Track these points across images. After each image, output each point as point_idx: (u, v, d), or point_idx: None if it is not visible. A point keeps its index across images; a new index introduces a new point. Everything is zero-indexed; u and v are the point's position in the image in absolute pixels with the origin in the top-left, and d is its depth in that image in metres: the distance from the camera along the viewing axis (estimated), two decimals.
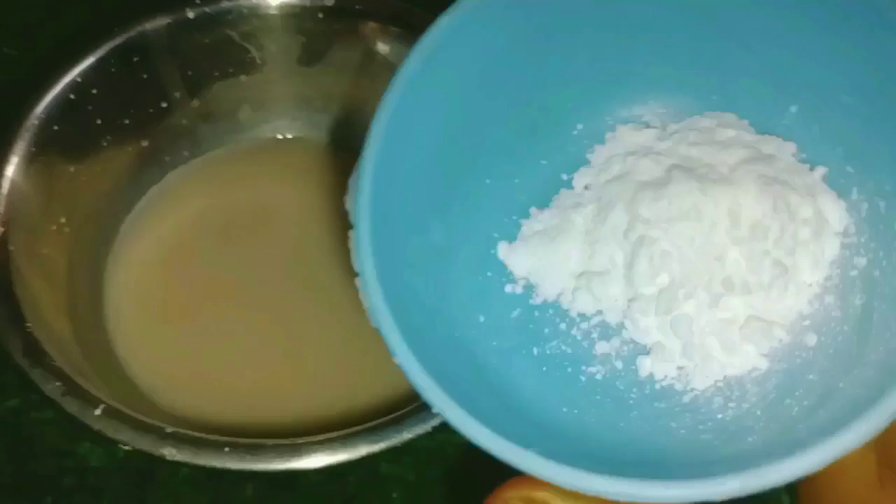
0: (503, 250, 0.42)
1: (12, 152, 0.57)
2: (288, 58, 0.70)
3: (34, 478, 0.62)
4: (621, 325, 0.38)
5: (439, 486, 0.60)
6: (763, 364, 0.35)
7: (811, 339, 0.35)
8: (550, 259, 0.40)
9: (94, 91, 0.62)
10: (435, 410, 0.32)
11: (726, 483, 0.27)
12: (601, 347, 0.39)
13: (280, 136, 0.74)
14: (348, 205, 0.37)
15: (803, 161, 0.38)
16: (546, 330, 0.40)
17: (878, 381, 0.28)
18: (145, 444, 0.47)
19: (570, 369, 0.39)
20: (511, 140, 0.42)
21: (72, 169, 0.62)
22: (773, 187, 0.35)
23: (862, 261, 0.35)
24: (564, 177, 0.43)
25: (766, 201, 0.35)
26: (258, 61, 0.69)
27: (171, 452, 0.47)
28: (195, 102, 0.69)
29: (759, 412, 0.34)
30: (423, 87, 0.38)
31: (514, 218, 0.42)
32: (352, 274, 0.36)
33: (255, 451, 0.47)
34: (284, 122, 0.74)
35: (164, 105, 0.68)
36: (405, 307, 0.35)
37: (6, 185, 0.56)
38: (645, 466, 0.31)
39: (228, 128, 0.72)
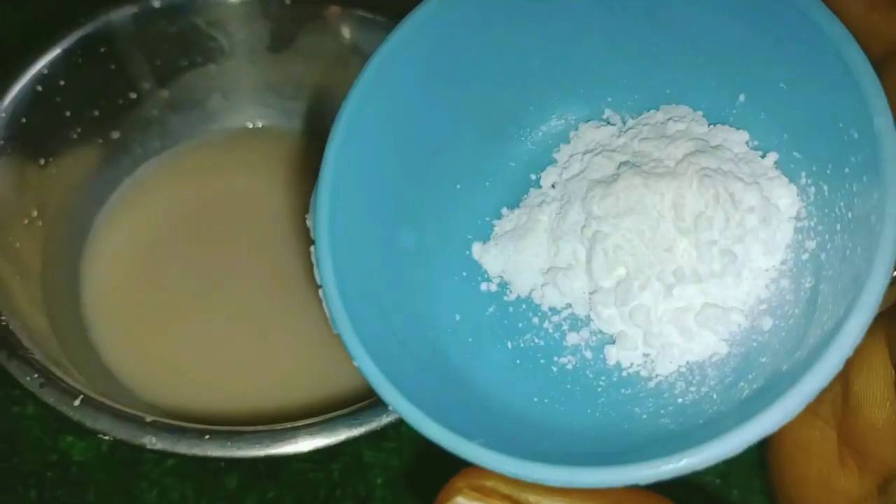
0: (477, 251, 0.43)
1: None
2: (256, 45, 0.70)
3: (17, 473, 0.62)
4: (588, 317, 0.40)
5: (423, 471, 0.60)
6: (723, 349, 0.36)
7: (767, 323, 0.36)
8: (520, 257, 0.41)
9: (62, 83, 0.62)
10: (390, 407, 0.34)
11: (656, 466, 0.28)
12: (571, 338, 0.40)
13: (251, 125, 0.74)
14: (309, 222, 0.37)
15: (756, 148, 0.39)
16: (520, 324, 0.41)
17: (805, 364, 0.29)
18: (125, 433, 0.47)
19: (542, 360, 0.40)
20: (478, 144, 0.43)
21: (41, 162, 0.61)
22: (715, 178, 0.36)
23: (812, 244, 0.35)
24: (533, 177, 0.44)
25: (707, 192, 0.36)
26: (226, 49, 0.69)
27: (151, 441, 0.47)
28: (164, 93, 0.69)
29: (715, 395, 0.35)
30: (380, 96, 0.38)
31: (487, 219, 0.43)
32: None
33: (235, 438, 0.47)
34: (255, 111, 0.74)
35: (134, 96, 0.67)
36: (368, 314, 0.36)
37: None
38: (603, 454, 0.32)
39: (199, 118, 0.72)
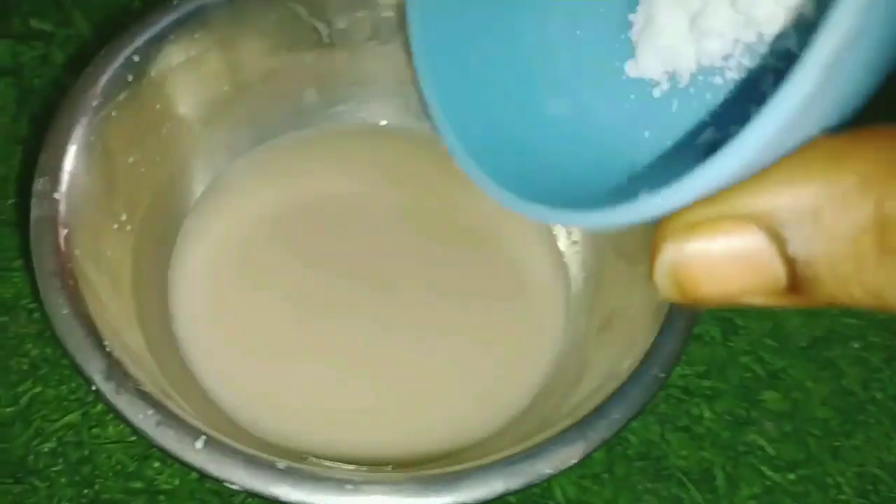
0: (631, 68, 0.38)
1: (70, 140, 0.50)
2: (358, 36, 0.64)
3: (100, 502, 0.56)
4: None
5: None
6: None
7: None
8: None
9: (153, 73, 0.55)
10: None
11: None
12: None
13: (350, 122, 0.67)
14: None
15: None
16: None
17: None
18: (256, 483, 0.41)
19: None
20: None
21: (130, 160, 0.55)
22: None
23: None
24: None
25: None
26: (326, 39, 0.63)
27: (285, 493, 0.41)
28: (258, 85, 0.62)
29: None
30: None
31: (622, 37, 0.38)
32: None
33: (392, 487, 0.41)
34: (353, 106, 0.67)
35: (226, 88, 0.61)
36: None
37: (66, 178, 0.49)
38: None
39: (295, 113, 0.66)
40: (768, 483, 0.63)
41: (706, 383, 0.66)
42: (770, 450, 0.64)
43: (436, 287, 0.61)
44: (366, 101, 0.68)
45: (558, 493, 0.60)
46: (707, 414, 0.65)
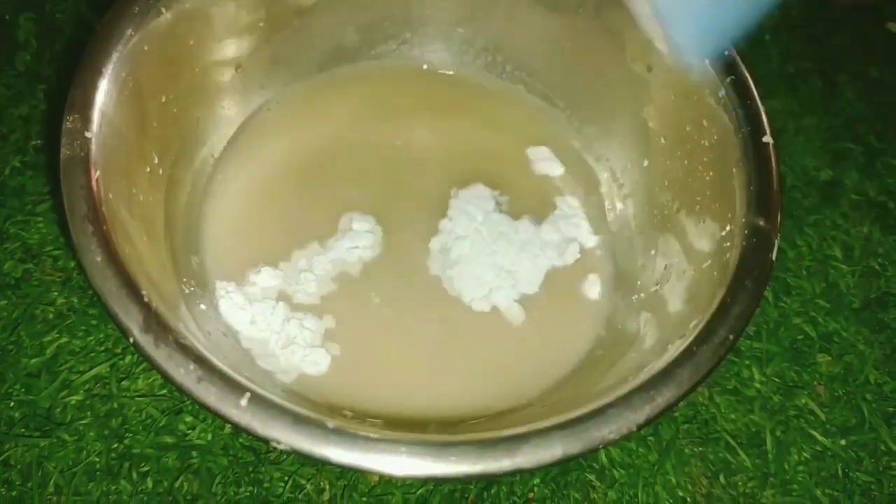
0: None
1: (102, 75, 0.46)
2: None
3: (130, 456, 0.54)
4: None
5: None
6: None
7: None
8: None
9: (187, 5, 0.52)
10: None
11: None
12: None
13: (386, 62, 0.64)
14: None
15: None
16: None
17: None
18: (304, 443, 0.38)
19: None
20: None
21: (163, 98, 0.52)
22: None
23: None
24: None
25: None
26: None
27: (336, 455, 0.38)
28: (296, 22, 0.59)
29: None
30: None
31: None
32: None
33: (441, 451, 0.38)
34: (391, 47, 0.63)
35: (262, 24, 0.57)
36: None
37: (97, 116, 0.46)
38: None
39: (333, 52, 0.62)
40: (818, 448, 0.60)
41: (756, 345, 0.64)
42: (821, 414, 0.62)
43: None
44: (407, 42, 0.64)
45: (602, 456, 0.57)
46: (757, 376, 0.62)
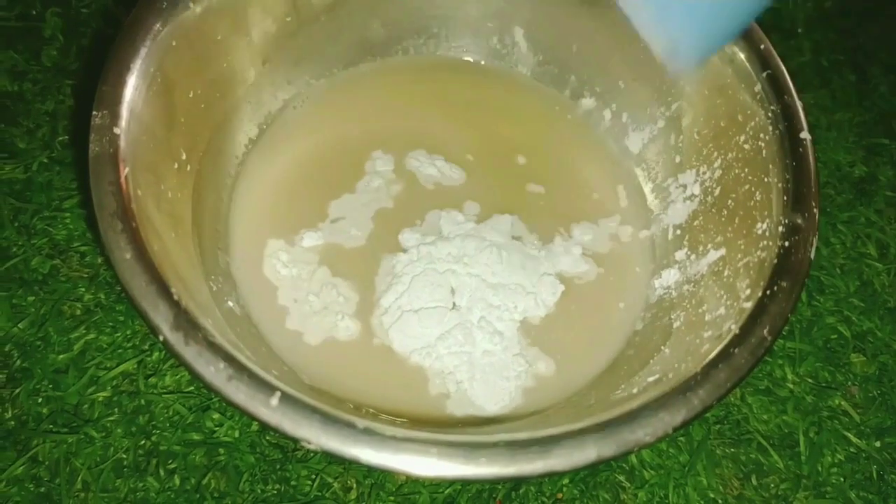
0: None
1: (130, 71, 0.46)
2: None
3: (157, 453, 0.54)
4: None
5: None
6: None
7: None
8: None
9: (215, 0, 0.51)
10: None
11: None
12: None
13: (414, 55, 0.64)
14: None
15: None
16: None
17: None
18: (334, 443, 0.38)
19: None
20: None
21: (190, 94, 0.51)
22: None
23: None
24: None
25: None
26: None
27: (366, 455, 0.37)
28: (323, 17, 0.58)
29: None
30: None
31: None
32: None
33: (471, 452, 0.38)
34: (419, 42, 0.63)
35: (289, 19, 0.57)
36: None
37: (125, 112, 0.45)
38: None
39: (359, 46, 0.62)
40: (853, 450, 0.59)
41: (789, 344, 0.62)
42: (855, 415, 0.61)
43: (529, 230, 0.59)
44: (435, 36, 0.64)
45: (633, 457, 0.57)
46: (790, 376, 0.61)
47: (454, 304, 0.53)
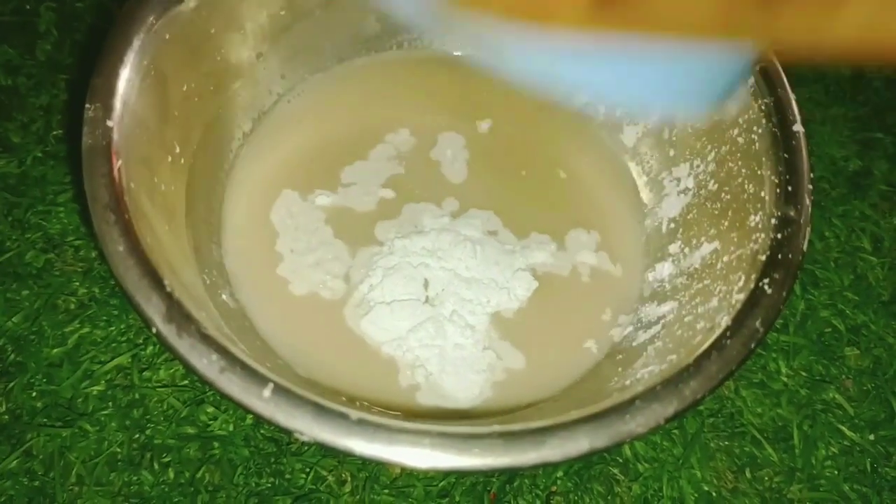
0: None
1: (123, 63, 0.46)
2: None
3: (151, 447, 0.54)
4: None
5: None
6: None
7: None
8: None
9: None
10: None
11: None
12: None
13: (408, 49, 0.64)
14: None
15: None
16: None
17: None
18: (327, 435, 0.38)
19: None
20: None
21: (184, 88, 0.51)
22: None
23: None
24: None
25: None
26: None
27: (360, 447, 0.38)
28: (317, 11, 0.58)
29: None
30: None
31: None
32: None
33: (465, 443, 0.38)
34: (413, 36, 0.63)
35: (283, 13, 0.57)
36: None
37: (119, 105, 0.45)
38: None
39: (353, 42, 0.61)
40: (846, 443, 0.59)
41: (784, 338, 0.63)
42: (849, 409, 0.61)
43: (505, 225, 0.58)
44: (428, 31, 0.63)
45: (626, 449, 0.57)
46: (784, 370, 0.61)
47: (427, 297, 0.53)
